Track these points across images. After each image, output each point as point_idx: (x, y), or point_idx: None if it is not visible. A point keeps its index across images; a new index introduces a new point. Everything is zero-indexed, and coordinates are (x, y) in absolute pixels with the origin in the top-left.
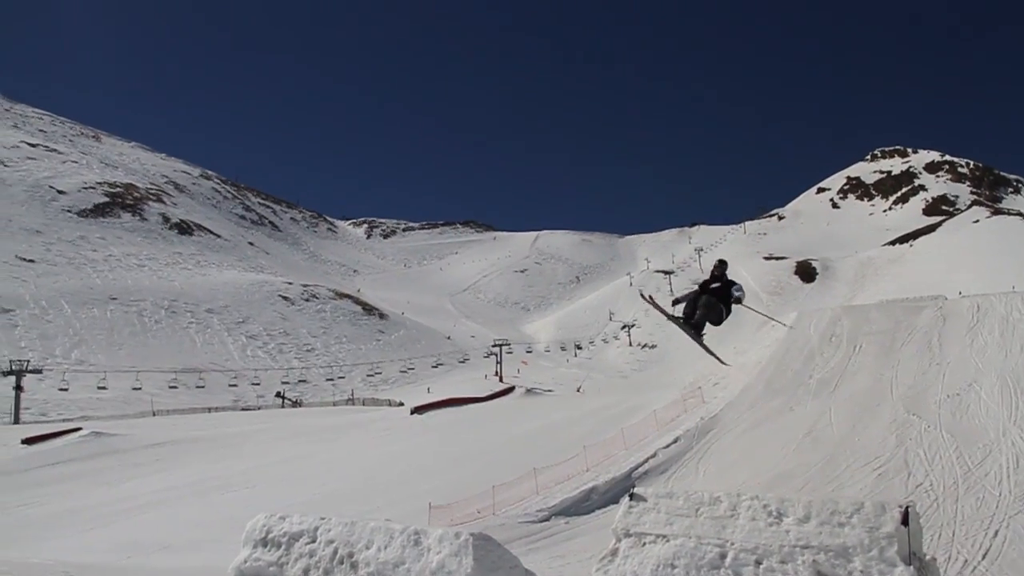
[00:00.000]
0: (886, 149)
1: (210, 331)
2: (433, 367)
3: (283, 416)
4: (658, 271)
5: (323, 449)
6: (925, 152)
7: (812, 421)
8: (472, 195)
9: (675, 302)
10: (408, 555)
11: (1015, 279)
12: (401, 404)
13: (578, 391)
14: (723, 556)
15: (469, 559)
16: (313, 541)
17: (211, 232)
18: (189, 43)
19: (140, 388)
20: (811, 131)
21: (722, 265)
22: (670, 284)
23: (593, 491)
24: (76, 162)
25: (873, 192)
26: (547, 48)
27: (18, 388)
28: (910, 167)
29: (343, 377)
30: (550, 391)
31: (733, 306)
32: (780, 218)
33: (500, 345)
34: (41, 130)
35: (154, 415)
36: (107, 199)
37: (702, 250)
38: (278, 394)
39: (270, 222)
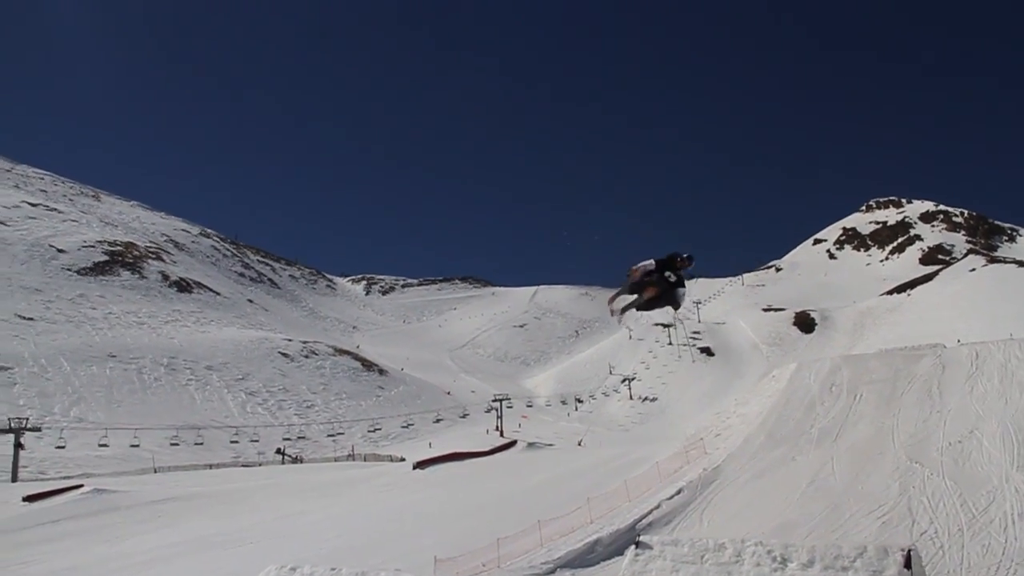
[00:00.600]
0: (881, 200)
1: (209, 388)
2: (434, 422)
3: (284, 472)
4: (657, 324)
5: (326, 504)
6: (919, 202)
7: (815, 470)
8: (469, 251)
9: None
10: None
11: (1013, 326)
12: (402, 459)
13: (579, 444)
14: None
15: None
16: None
17: (210, 290)
18: (188, 103)
19: (138, 445)
20: (806, 183)
21: (690, 260)
22: (669, 337)
23: (598, 543)
24: (76, 221)
25: (869, 242)
26: (543, 98)
27: (18, 446)
28: (905, 217)
29: (343, 433)
30: (551, 445)
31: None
32: (777, 270)
33: (500, 400)
34: (42, 190)
35: (155, 472)
36: (107, 257)
37: (700, 302)
38: (278, 450)
39: (269, 279)
